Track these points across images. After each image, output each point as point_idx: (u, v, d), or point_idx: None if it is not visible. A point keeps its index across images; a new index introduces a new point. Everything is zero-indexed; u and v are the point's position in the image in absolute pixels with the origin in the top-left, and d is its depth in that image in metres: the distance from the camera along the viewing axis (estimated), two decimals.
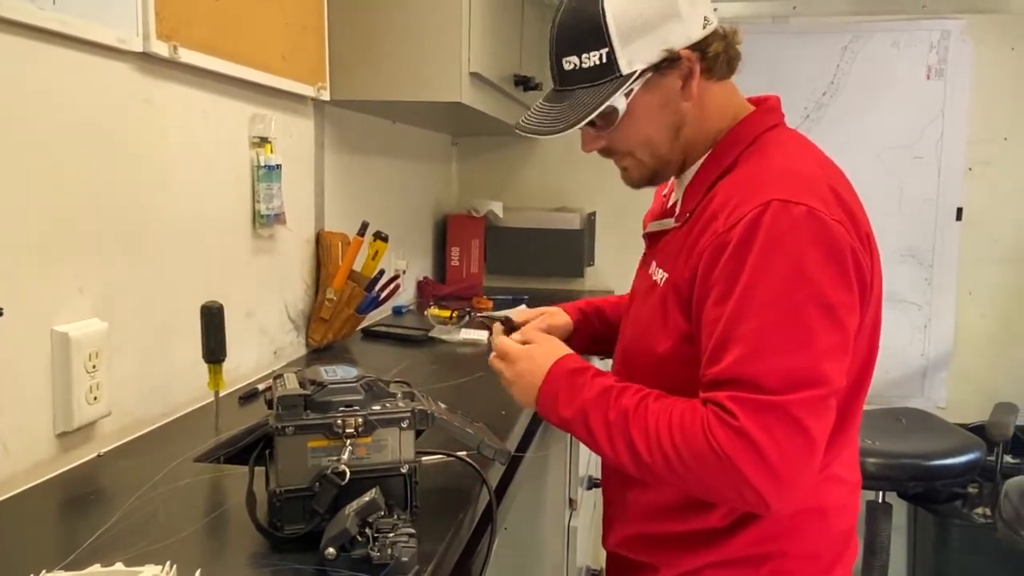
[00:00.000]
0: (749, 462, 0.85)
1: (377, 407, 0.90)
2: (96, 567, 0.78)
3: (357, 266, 1.86)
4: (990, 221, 2.78)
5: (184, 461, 1.12)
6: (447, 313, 2.09)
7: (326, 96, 1.77)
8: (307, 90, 1.70)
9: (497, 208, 2.84)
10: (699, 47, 0.99)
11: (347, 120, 2.00)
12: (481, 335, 2.00)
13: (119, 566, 0.78)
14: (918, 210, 2.80)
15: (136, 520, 0.93)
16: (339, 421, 0.87)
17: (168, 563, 0.78)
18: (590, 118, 0.98)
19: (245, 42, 1.45)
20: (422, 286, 2.66)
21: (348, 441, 0.87)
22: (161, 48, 1.21)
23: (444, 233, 2.87)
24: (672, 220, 1.05)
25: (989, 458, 2.50)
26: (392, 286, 1.99)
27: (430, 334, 2.00)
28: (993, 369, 2.81)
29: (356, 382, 0.91)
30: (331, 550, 0.79)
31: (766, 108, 1.06)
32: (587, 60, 0.98)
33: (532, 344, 1.09)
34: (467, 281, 2.80)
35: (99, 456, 1.14)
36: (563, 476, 1.82)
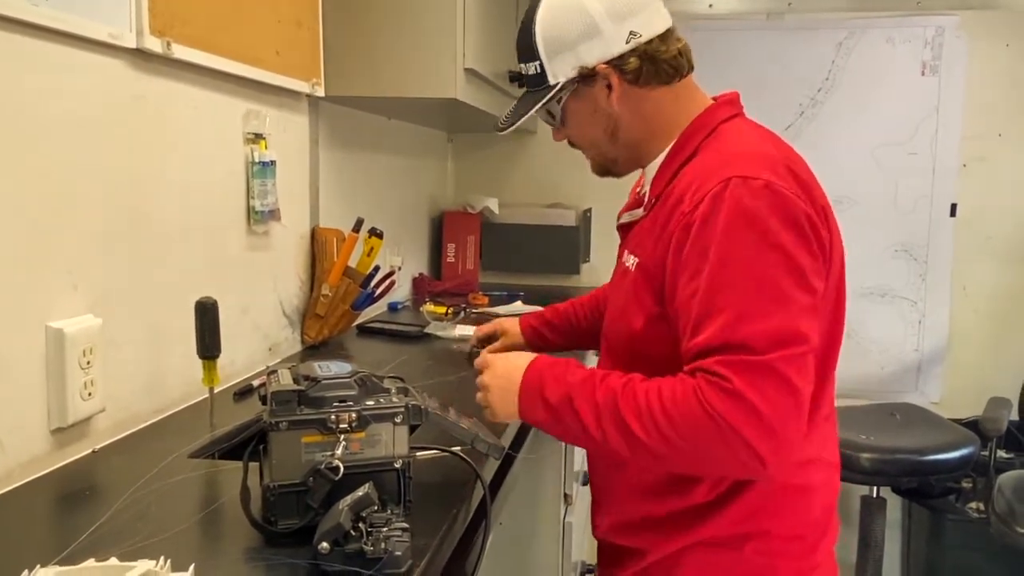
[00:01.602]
0: (746, 422, 0.88)
1: (371, 402, 0.90)
2: (90, 562, 0.78)
3: (352, 262, 1.86)
4: (984, 217, 2.79)
5: (179, 457, 1.12)
6: (442, 309, 2.09)
7: (320, 92, 1.77)
8: (301, 86, 1.70)
9: (493, 205, 2.84)
10: (615, 63, 1.07)
11: (342, 116, 2.00)
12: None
13: (113, 561, 0.78)
14: (912, 206, 2.81)
15: (130, 516, 0.93)
16: (333, 416, 0.87)
17: (162, 558, 0.78)
18: (521, 121, 1.14)
19: (239, 38, 1.45)
20: (418, 282, 2.66)
21: (342, 436, 0.87)
22: (154, 44, 1.21)
23: (440, 230, 2.87)
24: (641, 210, 1.13)
25: (983, 453, 2.51)
26: (387, 282, 1.99)
27: (425, 330, 2.00)
28: (987, 364, 2.82)
29: (350, 377, 0.91)
30: (324, 544, 0.79)
31: (724, 101, 1.12)
32: (528, 69, 1.12)
33: (507, 353, 1.15)
34: (463, 278, 2.80)
35: (94, 452, 1.14)
36: (558, 471, 1.82)
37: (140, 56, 1.21)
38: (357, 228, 1.84)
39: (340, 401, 0.89)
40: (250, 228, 1.56)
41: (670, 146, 1.10)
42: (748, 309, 0.92)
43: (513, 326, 1.53)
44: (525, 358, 1.07)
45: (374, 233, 1.88)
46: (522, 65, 1.13)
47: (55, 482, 1.04)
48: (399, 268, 2.41)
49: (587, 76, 1.08)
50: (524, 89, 1.17)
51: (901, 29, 2.75)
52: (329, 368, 0.93)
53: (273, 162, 1.58)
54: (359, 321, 2.03)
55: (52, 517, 0.97)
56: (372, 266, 1.88)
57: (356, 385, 0.91)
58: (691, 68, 1.11)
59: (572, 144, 1.19)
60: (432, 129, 2.81)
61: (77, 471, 1.08)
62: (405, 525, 0.82)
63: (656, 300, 1.03)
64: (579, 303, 1.52)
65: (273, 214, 1.60)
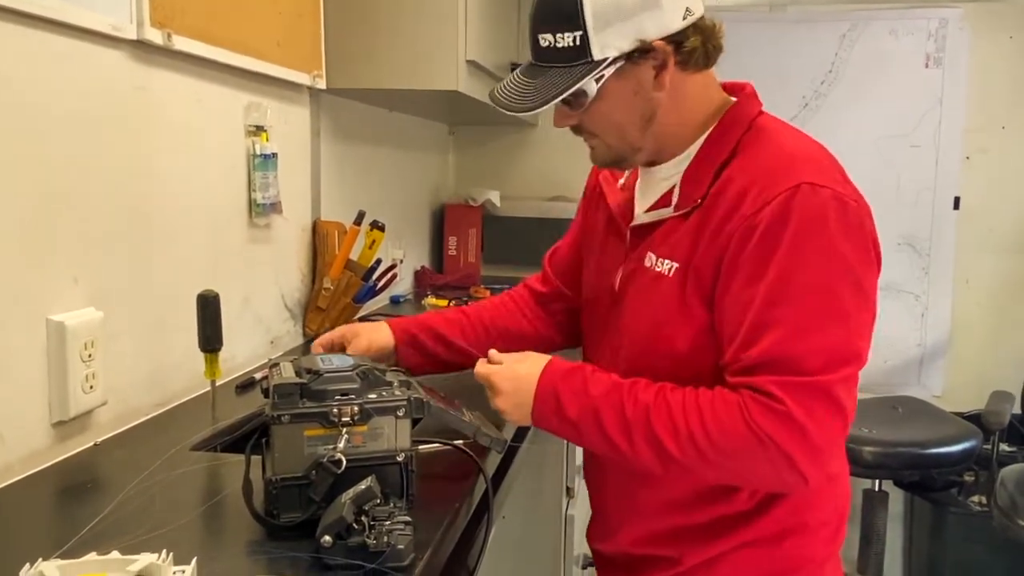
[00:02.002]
0: (796, 445, 0.87)
1: (373, 395, 0.90)
2: (92, 555, 0.78)
3: (354, 255, 1.86)
4: (987, 210, 2.78)
5: (181, 450, 1.12)
6: (444, 303, 2.09)
7: (322, 84, 1.76)
8: (303, 78, 1.69)
9: (495, 197, 2.83)
10: (675, 39, 0.97)
11: (343, 109, 1.99)
12: None
13: (115, 554, 0.77)
14: (915, 199, 2.80)
15: (132, 509, 0.92)
16: (335, 409, 0.87)
17: (164, 551, 0.77)
18: (557, 100, 0.98)
19: (239, 29, 1.44)
20: (420, 276, 2.66)
21: (344, 429, 0.87)
22: (155, 35, 1.20)
23: (441, 222, 2.86)
24: (669, 210, 1.03)
25: (985, 446, 2.50)
26: (389, 275, 1.99)
27: None
28: (989, 358, 2.81)
29: (352, 370, 0.91)
30: (327, 538, 0.79)
31: (750, 95, 1.06)
32: (561, 40, 0.96)
33: (507, 363, 1.05)
34: (464, 271, 2.79)
35: (96, 445, 1.14)
36: (560, 465, 1.82)
37: (141, 48, 1.21)
38: (359, 221, 1.83)
39: (342, 394, 0.89)
40: (251, 221, 1.56)
41: (701, 141, 1.02)
42: (807, 325, 0.88)
43: (372, 331, 1.25)
44: (533, 366, 1.01)
45: (376, 226, 1.88)
46: (548, 35, 0.97)
47: (57, 475, 1.04)
48: (401, 261, 2.40)
49: (643, 51, 0.96)
50: (528, 62, 1.03)
51: (904, 21, 2.74)
52: (331, 361, 0.93)
53: (274, 154, 1.58)
54: (361, 314, 2.02)
55: (54, 510, 0.97)
56: (374, 259, 1.88)
57: (358, 378, 0.91)
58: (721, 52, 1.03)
59: (578, 130, 1.06)
60: (434, 122, 2.80)
61: (79, 464, 1.08)
62: (407, 519, 0.81)
63: (707, 307, 0.96)
64: (472, 316, 1.29)
65: (274, 207, 1.60)
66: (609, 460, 1.05)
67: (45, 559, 0.77)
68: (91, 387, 1.11)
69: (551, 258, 1.35)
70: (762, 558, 1.03)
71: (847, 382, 0.89)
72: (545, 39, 0.98)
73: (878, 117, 2.78)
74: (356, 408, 0.88)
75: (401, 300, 2.39)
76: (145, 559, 0.76)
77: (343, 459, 0.85)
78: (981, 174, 2.77)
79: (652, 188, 1.08)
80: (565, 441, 1.80)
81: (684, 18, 0.97)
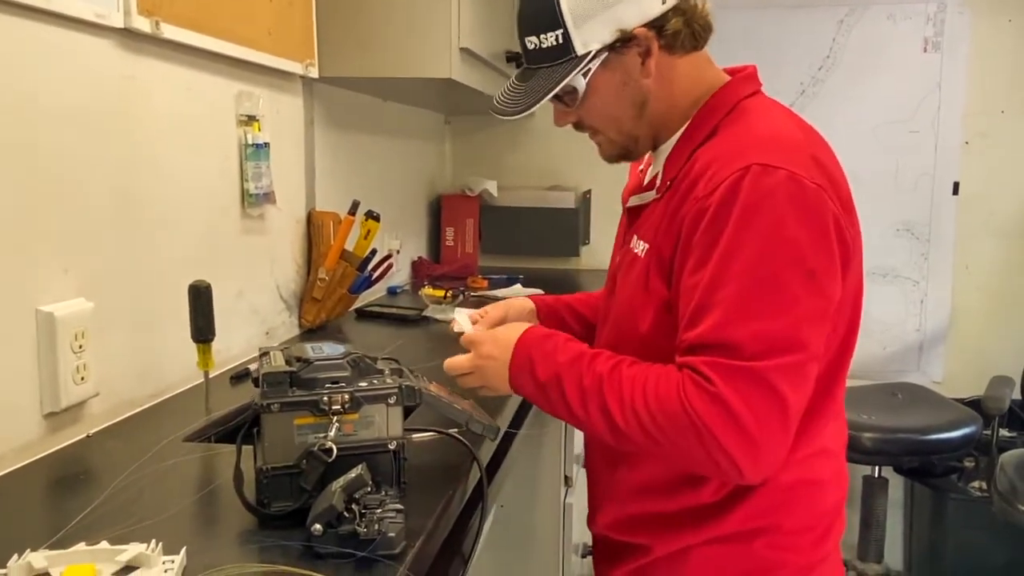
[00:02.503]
0: (724, 428, 0.85)
1: (364, 384, 0.89)
2: (81, 546, 0.77)
3: (349, 246, 1.85)
4: (987, 195, 2.77)
5: (174, 441, 1.12)
6: (441, 293, 2.08)
7: (314, 73, 1.75)
8: (295, 67, 1.68)
9: (491, 187, 2.82)
10: (656, 24, 0.97)
11: (337, 98, 1.98)
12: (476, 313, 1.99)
13: (104, 544, 0.77)
14: (914, 184, 2.79)
15: (124, 499, 0.92)
16: (325, 398, 0.86)
17: (153, 541, 0.77)
18: (545, 100, 1.00)
19: (229, 17, 1.43)
20: (417, 266, 2.65)
21: (335, 418, 0.86)
22: (143, 24, 1.19)
23: (438, 213, 2.85)
24: (653, 193, 1.04)
25: (985, 432, 2.50)
26: (384, 266, 1.98)
27: (424, 313, 1.99)
28: (989, 343, 2.80)
29: (342, 359, 0.90)
30: (317, 526, 0.78)
31: (743, 76, 1.04)
32: (545, 40, 0.99)
33: (495, 328, 1.08)
34: (462, 261, 2.79)
35: (88, 436, 1.14)
36: (558, 453, 1.82)
37: (128, 36, 1.20)
38: (353, 211, 1.82)
39: (333, 382, 0.88)
40: (244, 211, 1.55)
41: (685, 125, 1.03)
42: (746, 309, 0.87)
43: (523, 305, 1.29)
44: (516, 330, 1.03)
45: (371, 216, 1.87)
46: (533, 37, 1.00)
47: (48, 467, 1.04)
48: (397, 252, 2.40)
49: (625, 41, 0.97)
50: (525, 67, 1.04)
51: (902, 5, 2.72)
52: (322, 349, 0.92)
53: (267, 144, 1.57)
54: (357, 305, 2.01)
55: (44, 502, 0.97)
56: (369, 249, 1.87)
57: (349, 366, 0.90)
58: (712, 32, 1.03)
59: (580, 127, 1.07)
60: (429, 111, 2.79)
61: (71, 456, 1.08)
62: (399, 506, 0.81)
63: (667, 285, 0.97)
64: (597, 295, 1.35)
65: (268, 197, 1.59)
66: (591, 439, 1.07)
67: (34, 550, 0.76)
68: (82, 378, 1.10)
69: None
70: (732, 556, 1.02)
71: (789, 371, 0.86)
72: (531, 42, 1.01)
73: (876, 103, 2.76)
74: (347, 396, 0.87)
75: (398, 291, 2.39)
76: (134, 549, 0.76)
77: (334, 447, 0.85)
78: (980, 159, 2.75)
79: (653, 168, 1.09)
80: (563, 429, 1.80)
81: (664, 2, 0.97)
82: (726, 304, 0.87)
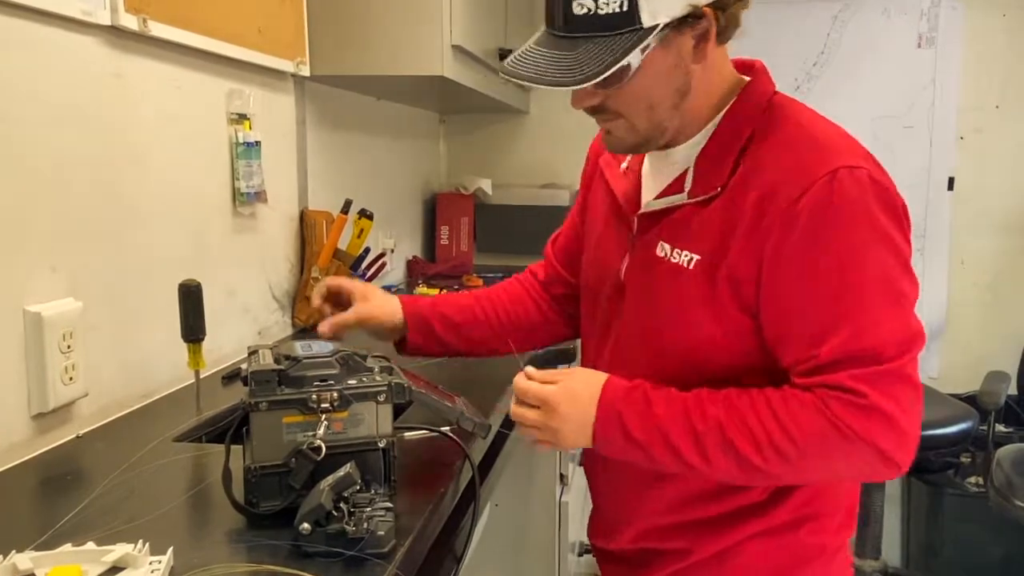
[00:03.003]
0: (885, 435, 0.85)
1: (353, 381, 0.89)
2: (67, 546, 0.77)
3: (342, 245, 1.84)
4: (982, 190, 2.77)
5: (163, 441, 1.11)
6: (436, 291, 2.08)
7: (306, 71, 1.74)
8: (286, 65, 1.67)
9: (486, 185, 2.82)
10: (720, 5, 0.90)
11: (329, 97, 1.97)
12: None
13: (90, 545, 0.77)
14: (910, 180, 2.78)
15: (112, 500, 0.91)
16: (314, 396, 0.86)
17: (140, 542, 0.77)
18: (608, 74, 0.86)
19: (219, 15, 1.42)
20: (412, 265, 2.64)
21: (323, 416, 0.86)
22: (130, 21, 1.18)
23: (433, 211, 2.85)
24: (683, 196, 0.96)
25: (981, 427, 2.49)
26: (378, 264, 1.97)
27: None
28: (985, 338, 2.80)
29: (331, 356, 0.90)
30: (306, 525, 0.78)
31: (763, 73, 1.00)
32: (605, 5, 0.86)
33: (561, 381, 0.97)
34: (457, 259, 2.78)
35: (78, 437, 1.13)
36: (553, 452, 1.81)
37: (115, 34, 1.19)
38: (346, 210, 1.82)
39: (321, 380, 0.87)
40: (235, 210, 1.54)
41: (716, 121, 0.96)
42: (875, 315, 0.86)
43: (384, 301, 1.19)
44: (592, 386, 0.95)
45: (364, 214, 1.86)
46: (587, 0, 0.87)
47: (37, 468, 1.03)
48: (392, 250, 2.39)
49: (695, 18, 0.88)
50: (547, 32, 0.92)
51: (897, 1, 2.72)
52: (311, 347, 0.92)
53: (258, 143, 1.56)
54: None
55: (32, 503, 0.96)
56: (362, 248, 1.87)
57: (338, 364, 0.89)
58: None
59: (599, 111, 0.96)
60: (423, 110, 2.78)
61: (60, 456, 1.07)
62: (389, 504, 0.80)
63: (741, 307, 0.91)
64: (485, 303, 1.24)
65: (259, 196, 1.58)
66: (614, 460, 0.99)
67: (20, 551, 0.76)
68: (71, 379, 1.10)
69: (553, 244, 1.31)
70: (774, 548, 1.01)
71: (916, 359, 0.89)
72: (582, 5, 0.87)
73: (871, 98, 2.76)
74: (335, 394, 0.86)
75: (393, 290, 2.38)
76: (120, 550, 0.75)
77: (323, 446, 0.84)
78: (975, 154, 2.75)
79: (663, 172, 1.01)
80: None
81: None
82: (855, 315, 0.86)
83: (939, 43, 2.71)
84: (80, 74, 1.14)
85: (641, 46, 0.87)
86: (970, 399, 2.53)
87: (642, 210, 1.01)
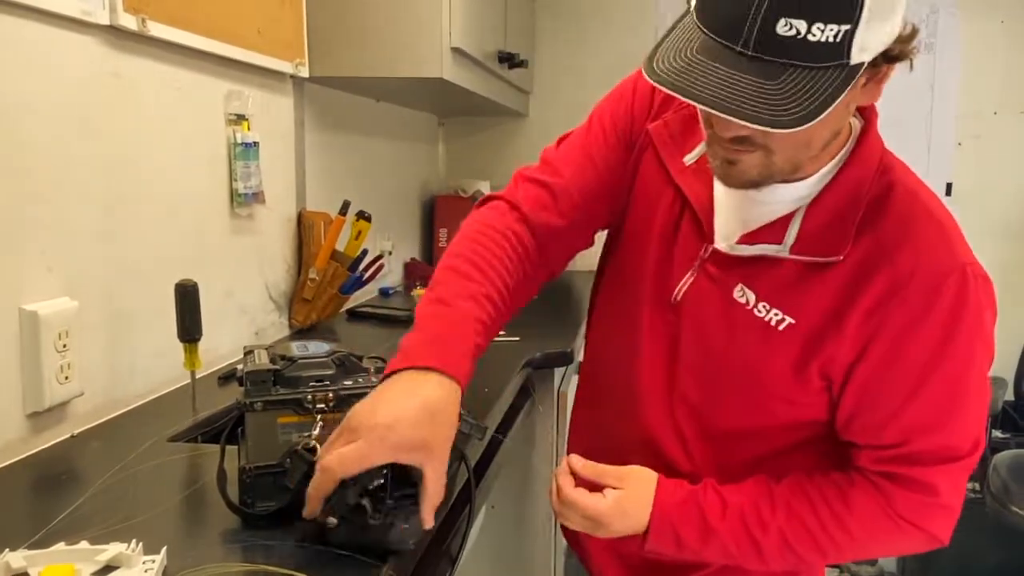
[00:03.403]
0: (943, 525, 0.92)
1: (348, 382, 0.88)
2: (60, 545, 0.76)
3: (340, 246, 1.84)
4: (980, 196, 2.77)
5: (158, 441, 1.11)
6: None
7: (305, 73, 1.74)
8: (285, 66, 1.67)
9: (485, 188, 2.82)
10: (904, 40, 0.80)
11: (328, 98, 1.97)
12: None
13: (84, 544, 0.76)
14: None
15: (106, 499, 0.91)
16: (309, 396, 0.85)
17: (134, 541, 0.76)
18: (823, 116, 0.73)
19: (218, 15, 1.42)
20: (410, 268, 2.64)
21: (319, 416, 0.85)
22: (129, 21, 1.18)
23: (432, 214, 2.84)
24: (783, 248, 0.89)
25: None
26: (376, 266, 1.97)
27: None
28: None
29: (327, 357, 0.89)
30: (331, 519, 0.77)
31: (873, 123, 0.90)
32: (818, 32, 0.71)
33: (611, 494, 0.95)
34: None
35: (72, 436, 1.12)
36: (550, 454, 1.81)
37: (114, 33, 1.19)
38: (344, 211, 1.82)
39: (317, 381, 0.87)
40: (233, 211, 1.54)
41: (828, 172, 0.88)
42: (972, 420, 0.90)
43: (445, 429, 0.84)
44: (643, 497, 0.94)
45: (362, 216, 1.86)
46: (803, 22, 0.71)
47: (31, 467, 1.02)
48: (390, 253, 2.39)
49: (890, 59, 0.79)
50: (723, 47, 0.75)
51: None
52: (306, 348, 0.91)
53: (256, 144, 1.56)
54: (349, 305, 2.01)
55: (26, 501, 0.95)
56: (360, 249, 1.87)
57: (334, 365, 0.89)
58: None
59: (742, 141, 0.81)
60: (422, 112, 2.78)
61: (54, 456, 1.06)
62: (413, 494, 0.79)
63: (823, 377, 0.90)
64: (500, 306, 0.98)
65: (257, 197, 1.58)
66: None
67: (12, 550, 0.75)
68: (66, 378, 1.09)
69: (574, 180, 1.05)
70: None
71: None
72: (791, 26, 0.72)
73: None
74: (331, 395, 0.86)
75: (391, 292, 2.38)
76: (114, 549, 0.75)
77: (318, 446, 0.84)
78: (973, 160, 2.76)
79: (752, 207, 0.91)
80: (553, 433, 1.79)
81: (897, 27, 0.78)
82: (956, 420, 0.89)
83: (938, 49, 2.72)
84: (78, 74, 1.14)
85: (850, 85, 0.74)
86: None
87: (726, 250, 0.92)
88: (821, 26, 0.71)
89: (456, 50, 1.82)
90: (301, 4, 1.73)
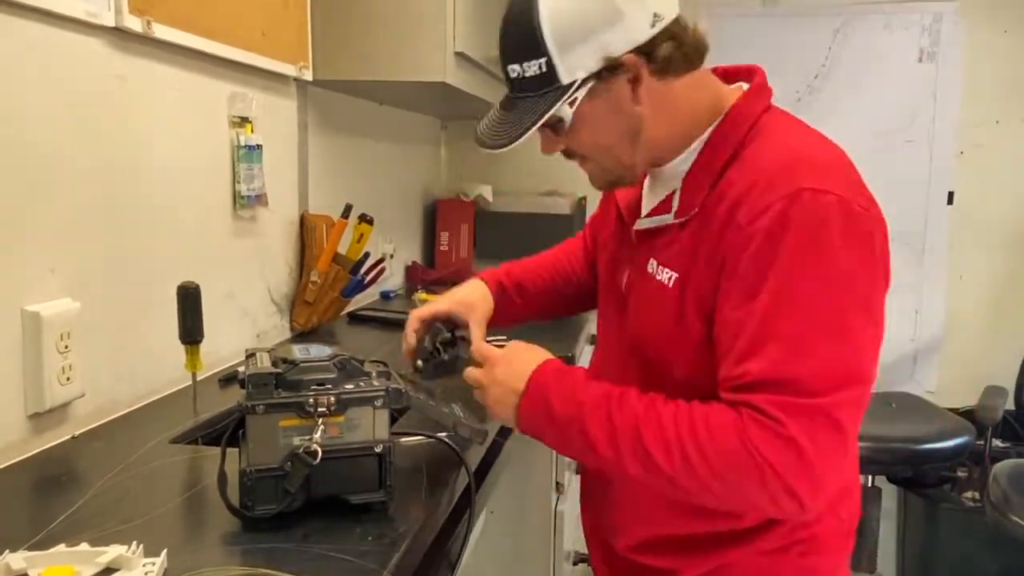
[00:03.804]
0: (795, 471, 0.82)
1: (350, 386, 0.88)
2: (61, 547, 0.77)
3: (342, 249, 1.84)
4: (982, 205, 2.77)
5: (159, 443, 1.11)
6: (434, 298, 2.07)
7: (308, 76, 1.75)
8: (288, 69, 1.67)
9: (487, 192, 2.82)
10: (645, 50, 0.91)
11: (332, 101, 1.97)
12: None
13: (84, 546, 0.77)
14: (909, 194, 2.79)
15: (107, 501, 0.91)
16: (311, 400, 0.86)
17: (134, 543, 0.76)
18: (530, 132, 0.94)
19: (223, 18, 1.42)
20: (411, 271, 2.64)
21: (320, 420, 0.85)
22: (134, 23, 1.19)
23: (433, 217, 2.85)
24: (670, 216, 0.97)
25: (978, 442, 2.50)
26: (377, 269, 1.97)
27: None
28: (983, 353, 2.80)
29: (329, 360, 0.90)
30: (420, 362, 1.12)
31: (756, 89, 0.99)
32: (528, 69, 0.93)
33: (509, 348, 1.03)
34: (456, 266, 2.78)
35: (73, 438, 1.13)
36: (549, 460, 1.81)
37: (119, 35, 1.19)
38: (346, 214, 1.82)
39: (318, 384, 0.87)
40: (235, 213, 1.54)
41: (701, 142, 0.97)
42: (809, 344, 0.83)
43: (480, 302, 1.23)
44: (530, 361, 0.98)
45: (364, 219, 1.86)
46: (516, 66, 0.94)
47: (32, 468, 1.03)
48: (391, 256, 2.39)
49: (612, 68, 0.91)
50: (506, 95, 0.99)
51: (898, 15, 2.73)
52: (308, 351, 0.92)
53: (259, 146, 1.56)
54: (350, 309, 2.01)
55: (27, 503, 0.95)
56: (362, 253, 1.87)
57: (335, 368, 0.89)
58: (707, 50, 0.97)
59: (570, 154, 1.02)
60: (425, 116, 2.78)
61: (55, 457, 1.07)
62: (464, 336, 1.13)
63: (705, 321, 0.92)
64: (546, 265, 1.34)
65: (259, 199, 1.58)
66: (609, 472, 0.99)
67: (13, 551, 0.75)
68: (68, 379, 1.09)
69: (590, 225, 1.35)
70: (766, 568, 1.00)
71: (851, 405, 0.84)
72: (514, 70, 0.95)
73: (871, 112, 2.76)
74: (332, 398, 0.86)
75: (392, 295, 2.38)
76: (114, 551, 0.75)
77: (319, 450, 0.84)
78: (975, 169, 2.76)
79: (656, 189, 1.04)
80: None
81: (653, 25, 0.91)
82: (787, 339, 0.84)
83: (940, 58, 2.72)
84: (83, 75, 1.14)
85: (565, 101, 0.92)
86: (967, 413, 2.53)
87: (636, 227, 1.04)
88: (528, 64, 0.93)
89: (459, 54, 1.82)
90: (305, 7, 1.73)
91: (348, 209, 1.82)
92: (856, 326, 0.85)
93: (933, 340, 2.84)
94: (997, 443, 2.66)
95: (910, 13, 2.72)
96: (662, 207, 1.00)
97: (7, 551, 0.75)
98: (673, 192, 0.98)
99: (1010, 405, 2.67)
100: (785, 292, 0.84)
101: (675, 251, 0.96)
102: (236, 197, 1.53)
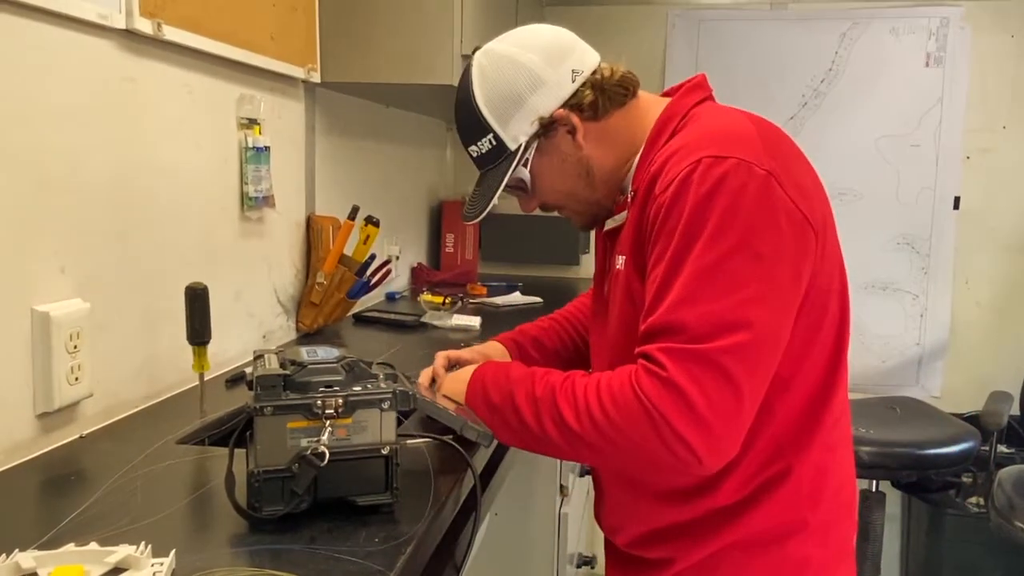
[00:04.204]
0: (679, 414, 0.85)
1: (358, 388, 0.89)
2: (70, 546, 0.77)
3: (348, 251, 1.85)
4: (987, 210, 2.77)
5: (167, 443, 1.11)
6: (440, 299, 2.08)
7: (316, 78, 1.75)
8: (297, 72, 1.68)
9: None
10: (571, 103, 1.04)
11: (339, 104, 1.98)
12: (473, 320, 1.99)
13: (93, 546, 0.77)
14: (915, 198, 2.79)
15: (115, 501, 0.92)
16: (319, 402, 0.86)
17: (143, 543, 0.77)
18: (495, 199, 1.07)
19: (232, 21, 1.43)
20: (416, 272, 2.65)
21: (328, 422, 0.86)
22: (145, 25, 1.19)
23: (439, 219, 2.85)
24: (625, 213, 1.06)
25: (983, 447, 2.49)
26: (383, 271, 1.98)
27: (422, 319, 1.99)
28: (988, 358, 2.80)
29: (337, 362, 0.90)
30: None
31: (690, 87, 1.07)
32: (482, 146, 1.07)
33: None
34: (462, 268, 2.79)
35: (81, 437, 1.13)
36: (554, 463, 1.81)
37: (130, 37, 1.20)
38: (353, 216, 1.82)
39: (326, 386, 0.88)
40: (243, 214, 1.55)
41: (642, 147, 1.06)
42: (694, 293, 0.88)
43: (496, 355, 1.30)
44: (470, 370, 1.08)
45: (370, 221, 1.87)
46: (472, 146, 1.08)
47: (40, 467, 1.03)
48: (397, 257, 2.40)
49: (547, 126, 1.04)
50: (480, 172, 1.12)
51: (905, 20, 2.73)
52: (316, 353, 0.92)
53: (267, 148, 1.57)
54: (356, 310, 2.01)
55: (36, 502, 0.96)
56: (368, 254, 1.87)
57: (343, 370, 0.90)
58: (638, 82, 1.08)
59: (546, 208, 1.13)
60: (431, 118, 2.79)
61: (64, 456, 1.07)
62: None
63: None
64: (562, 320, 1.38)
65: (267, 200, 1.59)
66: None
67: (23, 550, 0.76)
68: (76, 379, 1.10)
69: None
70: (757, 558, 1.01)
71: (738, 352, 0.86)
72: (473, 150, 1.09)
73: (878, 116, 2.76)
74: (340, 400, 0.86)
75: (397, 297, 2.39)
76: (123, 551, 0.76)
77: (326, 452, 0.84)
78: (981, 174, 2.76)
79: (620, 197, 1.12)
80: None
81: (573, 80, 1.04)
82: (677, 289, 0.89)
83: (947, 63, 2.72)
84: (94, 77, 1.15)
85: (519, 163, 1.06)
86: (972, 419, 2.53)
87: (603, 230, 1.12)
88: (481, 142, 1.07)
89: (467, 57, 1.82)
90: (314, 10, 1.74)
91: (354, 211, 1.82)
92: (743, 276, 0.88)
93: (938, 345, 2.84)
94: (1002, 449, 2.66)
95: (917, 18, 2.72)
96: (622, 207, 1.08)
97: (16, 550, 0.76)
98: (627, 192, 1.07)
99: (1015, 411, 2.66)
100: (681, 249, 0.90)
101: (624, 237, 1.04)
102: (244, 198, 1.54)
